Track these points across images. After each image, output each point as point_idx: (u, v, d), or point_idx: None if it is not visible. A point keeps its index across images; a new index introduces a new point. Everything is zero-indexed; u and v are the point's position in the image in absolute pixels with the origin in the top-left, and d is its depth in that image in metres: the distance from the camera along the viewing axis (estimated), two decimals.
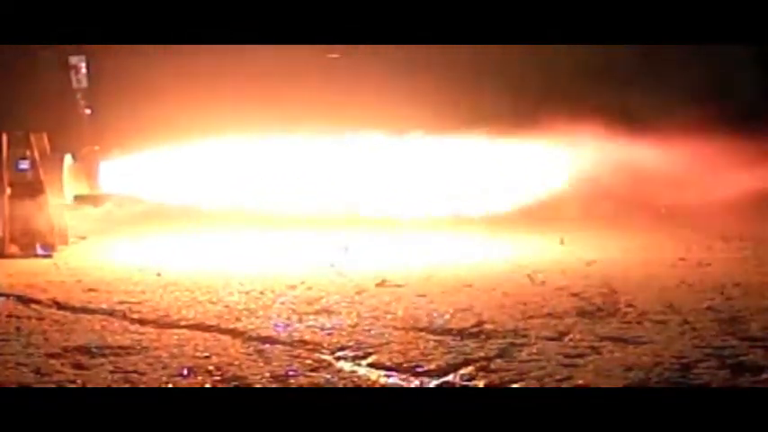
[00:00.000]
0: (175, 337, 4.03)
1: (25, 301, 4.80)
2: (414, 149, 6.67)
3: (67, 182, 6.50)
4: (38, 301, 4.77)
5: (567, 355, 3.69)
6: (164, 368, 3.58)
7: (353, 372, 3.59)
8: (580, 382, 3.39)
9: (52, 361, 3.68)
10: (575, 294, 4.81)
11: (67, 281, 5.32)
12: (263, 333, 4.08)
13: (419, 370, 3.57)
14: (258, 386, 3.40)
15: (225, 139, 6.61)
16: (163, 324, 4.28)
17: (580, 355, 3.69)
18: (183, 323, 4.29)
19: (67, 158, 6.54)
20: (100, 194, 6.59)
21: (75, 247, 6.56)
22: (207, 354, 3.76)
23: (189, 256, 6.14)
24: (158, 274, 5.42)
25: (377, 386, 3.45)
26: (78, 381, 3.45)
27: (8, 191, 6.29)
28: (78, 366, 3.62)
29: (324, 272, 5.49)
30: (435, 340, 3.95)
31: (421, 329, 4.14)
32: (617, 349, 3.78)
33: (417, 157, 6.68)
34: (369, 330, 4.13)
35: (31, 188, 6.33)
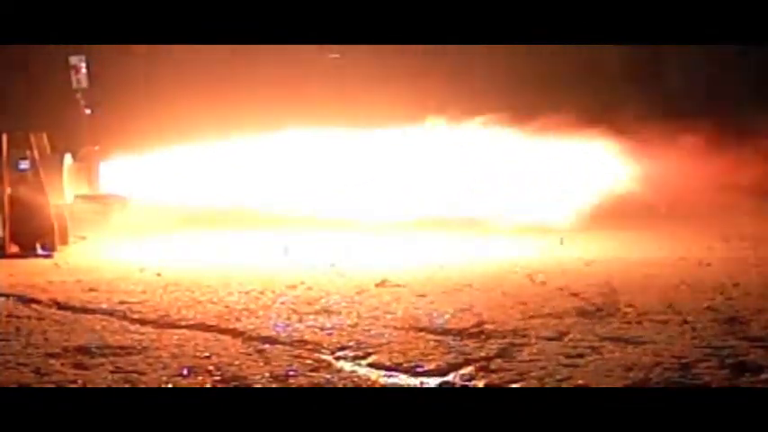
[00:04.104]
0: (175, 337, 4.03)
1: (25, 301, 4.80)
2: (414, 149, 6.68)
3: (67, 182, 6.50)
4: (38, 301, 4.77)
5: (567, 355, 3.69)
6: (164, 368, 3.58)
7: (353, 372, 3.59)
8: (580, 382, 3.39)
9: (52, 361, 3.68)
10: (575, 294, 4.81)
11: (67, 281, 5.31)
12: (263, 333, 4.08)
13: (419, 370, 3.57)
14: (258, 386, 3.40)
15: (225, 139, 6.62)
16: (163, 324, 4.28)
17: (580, 355, 3.69)
18: (183, 323, 4.29)
19: (67, 158, 6.54)
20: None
21: (75, 247, 6.56)
22: (207, 354, 3.76)
23: (189, 256, 6.14)
24: (158, 274, 5.42)
25: (377, 386, 3.45)
26: (78, 381, 3.45)
27: (8, 191, 6.29)
28: (78, 366, 3.62)
29: (324, 272, 5.49)
30: (435, 340, 3.95)
31: (421, 329, 4.14)
32: (617, 349, 3.77)
33: (417, 156, 6.69)
34: (369, 330, 4.13)
35: (31, 188, 6.33)
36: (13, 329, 4.21)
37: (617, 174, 6.62)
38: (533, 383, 3.39)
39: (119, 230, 6.90)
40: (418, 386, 3.45)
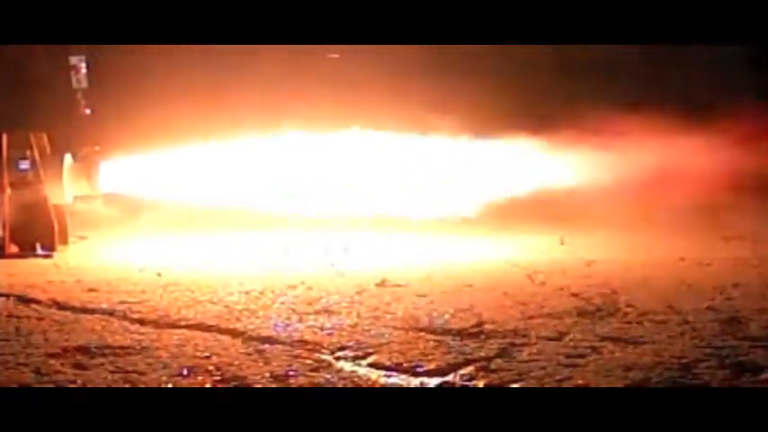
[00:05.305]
0: (175, 337, 4.03)
1: (25, 301, 4.80)
2: (413, 148, 6.68)
3: (67, 182, 6.50)
4: (38, 301, 4.77)
5: (567, 355, 3.69)
6: (164, 368, 3.58)
7: (353, 372, 3.59)
8: (580, 382, 3.39)
9: (52, 361, 3.68)
10: (575, 294, 4.81)
11: (67, 281, 5.31)
12: (263, 333, 4.08)
13: (419, 370, 3.57)
14: (258, 386, 3.40)
15: (225, 139, 6.62)
16: (163, 324, 4.28)
17: (580, 355, 3.69)
18: (183, 323, 4.29)
19: (67, 158, 6.54)
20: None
21: (75, 247, 6.56)
22: (207, 354, 3.76)
23: (189, 256, 6.14)
24: (158, 274, 5.42)
25: (377, 386, 3.45)
26: (78, 381, 3.45)
27: (8, 191, 6.29)
28: (78, 366, 3.62)
29: (324, 272, 5.49)
30: (435, 340, 3.95)
31: (421, 329, 4.14)
32: (617, 349, 3.77)
33: (417, 156, 6.68)
34: (369, 330, 4.13)
35: (31, 188, 6.33)
36: (13, 329, 4.21)
37: (616, 173, 6.61)
38: (533, 383, 3.39)
39: (120, 230, 6.90)
40: (418, 386, 3.45)
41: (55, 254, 6.23)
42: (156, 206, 6.79)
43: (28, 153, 6.36)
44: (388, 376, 3.54)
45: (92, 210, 6.74)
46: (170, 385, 3.41)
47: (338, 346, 3.88)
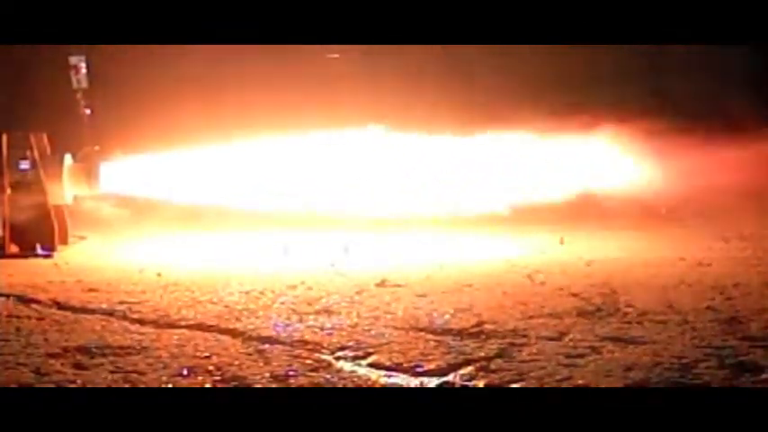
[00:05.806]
0: (175, 337, 4.03)
1: (25, 301, 4.80)
2: (413, 148, 6.68)
3: (67, 182, 6.50)
4: (38, 301, 4.77)
5: (567, 355, 3.69)
6: (164, 368, 3.58)
7: (353, 372, 3.59)
8: (580, 382, 3.39)
9: (52, 361, 3.68)
10: (575, 294, 4.81)
11: (67, 281, 5.32)
12: (263, 333, 4.08)
13: (419, 370, 3.57)
14: (258, 386, 3.40)
15: (225, 138, 6.62)
16: (163, 324, 4.28)
17: (580, 355, 3.69)
18: (183, 323, 4.29)
19: (67, 158, 6.54)
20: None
21: (75, 247, 6.56)
22: (207, 354, 3.76)
23: (189, 256, 6.14)
24: (158, 275, 5.42)
25: (377, 386, 3.45)
26: (78, 381, 3.45)
27: (8, 191, 6.29)
28: (78, 366, 3.62)
29: (324, 272, 5.49)
30: (435, 340, 3.95)
31: (421, 329, 4.14)
32: (617, 349, 3.78)
33: (417, 155, 6.69)
34: (369, 330, 4.13)
35: (31, 188, 6.33)
36: (13, 329, 4.21)
37: (617, 173, 6.61)
38: (533, 383, 3.39)
39: (120, 230, 6.90)
40: (418, 386, 3.45)
41: (55, 254, 6.23)
42: (155, 206, 6.79)
43: (28, 153, 6.36)
44: (388, 376, 3.54)
45: (99, 209, 6.74)
46: (170, 385, 3.41)
47: (338, 346, 3.88)
